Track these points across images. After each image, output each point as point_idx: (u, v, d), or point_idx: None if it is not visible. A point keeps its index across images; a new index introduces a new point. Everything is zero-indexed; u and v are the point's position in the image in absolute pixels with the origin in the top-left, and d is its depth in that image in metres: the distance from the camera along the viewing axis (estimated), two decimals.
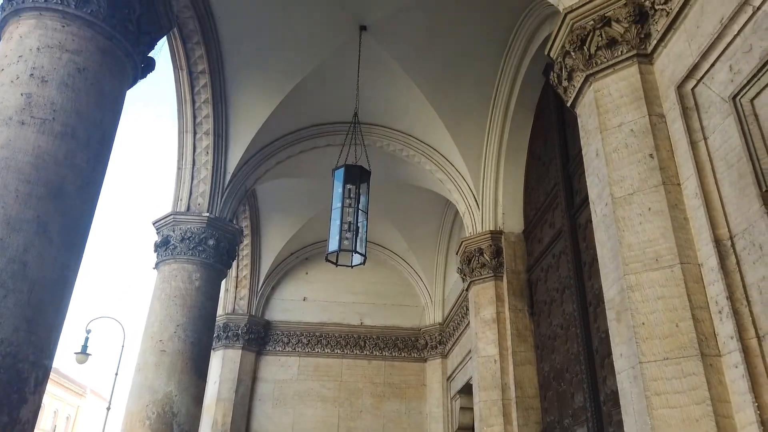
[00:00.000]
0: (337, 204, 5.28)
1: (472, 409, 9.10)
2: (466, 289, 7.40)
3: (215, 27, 6.47)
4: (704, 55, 2.95)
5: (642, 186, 3.25)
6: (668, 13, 3.38)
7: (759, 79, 2.51)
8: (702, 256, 2.92)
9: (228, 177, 7.44)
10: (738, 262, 2.62)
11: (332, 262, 5.27)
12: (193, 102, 7.04)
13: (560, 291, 5.86)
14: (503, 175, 7.22)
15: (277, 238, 10.96)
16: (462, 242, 7.34)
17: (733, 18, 2.72)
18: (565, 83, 4.08)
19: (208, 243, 6.94)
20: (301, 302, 11.51)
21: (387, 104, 7.49)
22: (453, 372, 9.83)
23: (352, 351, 11.02)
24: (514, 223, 7.17)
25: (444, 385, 10.34)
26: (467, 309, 8.80)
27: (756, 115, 2.56)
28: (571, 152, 5.78)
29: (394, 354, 11.02)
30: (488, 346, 6.64)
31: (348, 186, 5.33)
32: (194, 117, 7.14)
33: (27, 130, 3.09)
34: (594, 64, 3.74)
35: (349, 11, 6.36)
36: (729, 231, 2.70)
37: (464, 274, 7.33)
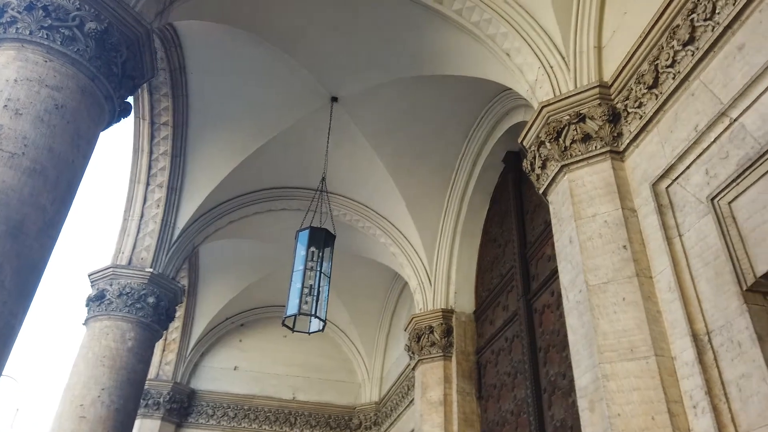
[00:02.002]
0: (299, 266, 5.13)
1: None
2: (413, 368, 7.24)
3: (186, 81, 6.40)
4: (680, 158, 3.16)
5: (616, 276, 3.35)
6: (641, 116, 3.63)
7: (738, 185, 2.69)
8: (675, 349, 2.99)
9: (177, 233, 7.13)
10: (715, 358, 2.69)
11: (289, 327, 5.05)
12: (151, 152, 6.82)
13: (512, 375, 5.83)
14: (457, 254, 7.30)
15: (214, 300, 10.48)
16: (412, 318, 7.26)
17: (710, 127, 2.94)
18: (538, 171, 4.24)
19: (148, 301, 6.52)
20: (232, 371, 10.89)
21: (349, 174, 7.53)
22: None
23: (282, 428, 10.42)
24: (465, 302, 7.19)
25: None
26: (408, 388, 8.61)
27: (734, 218, 2.72)
28: (529, 238, 5.95)
29: None
30: (434, 429, 6.43)
31: (312, 249, 5.21)
32: (149, 168, 6.90)
33: None
34: (569, 156, 3.93)
35: (323, 82, 6.47)
36: (706, 326, 2.79)
37: (412, 352, 7.20)
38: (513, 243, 6.19)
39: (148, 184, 6.93)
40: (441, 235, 7.49)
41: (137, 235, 6.92)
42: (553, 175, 4.04)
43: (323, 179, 6.02)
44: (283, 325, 5.11)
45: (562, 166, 3.94)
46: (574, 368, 3.43)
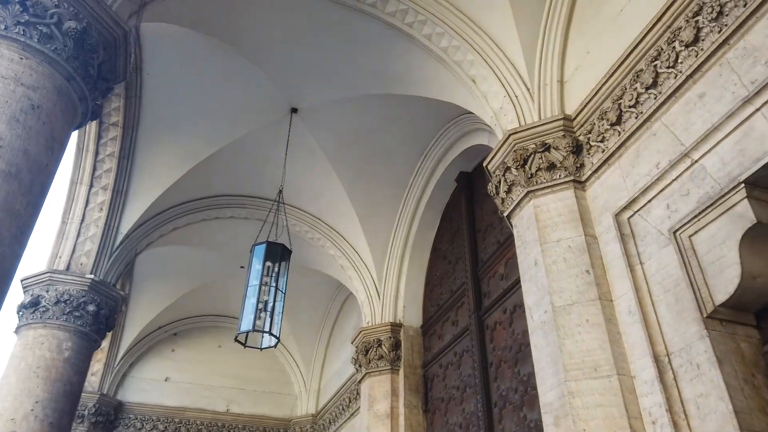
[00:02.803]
0: (254, 281, 5.06)
1: None
2: (360, 381, 7.28)
3: (141, 82, 6.19)
4: (642, 192, 3.43)
5: (580, 298, 3.58)
6: (603, 150, 3.91)
7: (698, 220, 2.97)
8: (635, 369, 3.24)
9: (120, 238, 6.85)
10: (675, 378, 2.94)
11: (241, 343, 4.97)
12: (96, 153, 6.53)
13: (461, 389, 6.00)
14: (407, 269, 7.44)
15: (148, 308, 10.06)
16: (361, 331, 7.31)
17: (673, 166, 3.23)
18: (503, 194, 4.45)
19: (88, 309, 6.21)
20: (163, 383, 10.48)
21: (302, 186, 7.52)
22: None
23: None
24: (413, 317, 7.33)
25: None
26: (349, 401, 8.64)
27: (694, 250, 3.00)
28: (481, 257, 6.17)
29: None
30: None
31: (267, 263, 5.16)
32: (93, 169, 6.59)
33: None
34: (535, 183, 4.15)
35: (284, 92, 6.45)
36: (666, 348, 3.05)
37: (360, 365, 7.25)
38: (465, 260, 6.39)
39: (91, 185, 6.62)
40: (391, 250, 7.61)
41: (77, 239, 6.58)
42: (518, 200, 4.25)
43: (281, 191, 5.99)
44: (236, 340, 5.02)
45: (528, 192, 4.16)
46: (539, 385, 3.61)
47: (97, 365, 9.80)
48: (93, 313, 6.25)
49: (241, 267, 9.46)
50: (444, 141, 6.79)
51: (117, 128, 6.45)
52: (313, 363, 10.82)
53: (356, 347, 7.39)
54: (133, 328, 10.09)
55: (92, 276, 6.41)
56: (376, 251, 7.64)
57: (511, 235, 5.57)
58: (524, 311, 5.06)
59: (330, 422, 9.48)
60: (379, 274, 7.59)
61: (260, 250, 5.21)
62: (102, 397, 9.59)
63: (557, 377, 3.43)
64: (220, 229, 8.29)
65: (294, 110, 6.66)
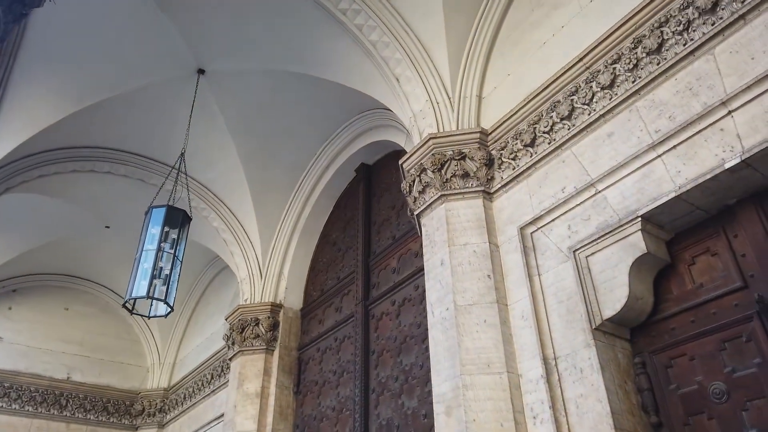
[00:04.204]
0: (149, 246, 4.76)
1: None
2: (231, 359, 7.14)
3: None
4: (548, 212, 3.81)
5: (480, 300, 3.89)
6: (514, 168, 4.26)
7: (596, 243, 3.39)
8: (522, 368, 3.60)
9: None
10: (560, 379, 3.33)
11: (128, 309, 4.65)
12: None
13: (338, 374, 6.16)
14: (293, 251, 7.43)
15: None
16: (239, 308, 7.17)
17: (579, 192, 3.63)
18: (416, 194, 4.65)
19: None
20: None
21: (196, 151, 7.13)
22: None
23: (49, 410, 9.28)
24: (294, 299, 7.34)
25: None
26: (212, 377, 8.45)
27: (589, 269, 3.41)
28: (374, 248, 6.36)
29: (101, 418, 9.62)
30: (247, 420, 6.45)
31: (166, 229, 4.88)
32: None
33: None
34: (449, 188, 4.40)
35: (192, 50, 6.10)
36: (554, 352, 3.44)
37: (233, 342, 7.10)
38: (356, 250, 6.54)
39: None
40: (280, 230, 7.54)
41: None
42: (431, 201, 4.47)
43: (182, 154, 5.66)
44: (123, 306, 4.71)
45: (442, 195, 4.39)
46: (434, 376, 3.86)
47: None
48: None
49: (107, 227, 8.82)
50: (351, 131, 6.86)
51: None
52: (171, 336, 10.34)
53: (231, 324, 7.23)
54: None
55: None
56: (265, 230, 7.52)
57: (407, 232, 5.86)
58: (413, 305, 5.37)
59: (186, 397, 9.15)
60: (264, 254, 7.49)
61: (159, 213, 4.91)
62: None
63: (453, 370, 3.69)
64: (92, 184, 7.61)
65: (201, 71, 6.32)
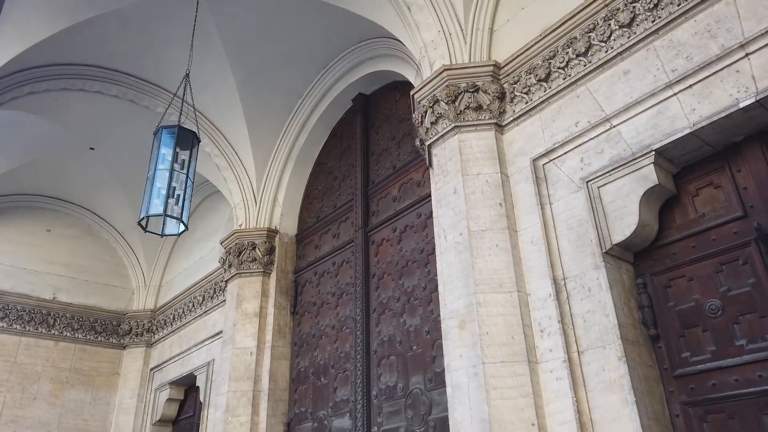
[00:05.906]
0: (161, 166, 4.80)
1: (179, 400, 8.89)
2: (227, 280, 7.35)
3: None
4: (561, 145, 4.03)
5: (492, 226, 4.15)
6: (527, 102, 4.44)
7: (609, 175, 3.65)
8: (531, 288, 3.92)
9: None
10: (568, 297, 3.67)
11: (143, 227, 4.74)
12: None
13: (336, 296, 6.45)
14: (288, 178, 7.53)
15: None
16: (235, 233, 7.31)
17: (593, 127, 3.85)
18: (428, 125, 4.80)
19: None
20: None
21: (192, 74, 7.02)
22: (163, 363, 9.33)
23: (37, 329, 9.40)
24: (289, 225, 7.52)
25: (145, 375, 9.69)
26: (203, 298, 8.66)
27: (601, 198, 3.68)
28: (373, 178, 6.52)
29: (89, 337, 9.81)
30: (246, 338, 6.75)
31: (177, 149, 4.92)
32: None
33: None
34: (462, 120, 4.56)
35: None
36: (563, 273, 3.75)
37: (229, 265, 7.29)
38: (354, 179, 6.70)
39: None
40: (274, 157, 7.60)
41: None
42: (444, 132, 4.63)
43: (187, 74, 5.57)
44: (138, 224, 4.80)
45: (455, 127, 4.55)
46: (447, 295, 4.15)
47: None
48: None
49: (91, 149, 8.70)
50: (350, 59, 6.85)
51: None
52: (156, 259, 10.44)
53: (227, 248, 7.39)
54: None
55: None
56: (259, 156, 7.57)
57: (409, 162, 6.04)
58: (415, 232, 5.63)
59: (176, 318, 9.37)
60: (259, 180, 7.57)
61: (169, 134, 4.92)
62: None
63: (467, 289, 3.99)
64: (81, 103, 7.47)
65: None
